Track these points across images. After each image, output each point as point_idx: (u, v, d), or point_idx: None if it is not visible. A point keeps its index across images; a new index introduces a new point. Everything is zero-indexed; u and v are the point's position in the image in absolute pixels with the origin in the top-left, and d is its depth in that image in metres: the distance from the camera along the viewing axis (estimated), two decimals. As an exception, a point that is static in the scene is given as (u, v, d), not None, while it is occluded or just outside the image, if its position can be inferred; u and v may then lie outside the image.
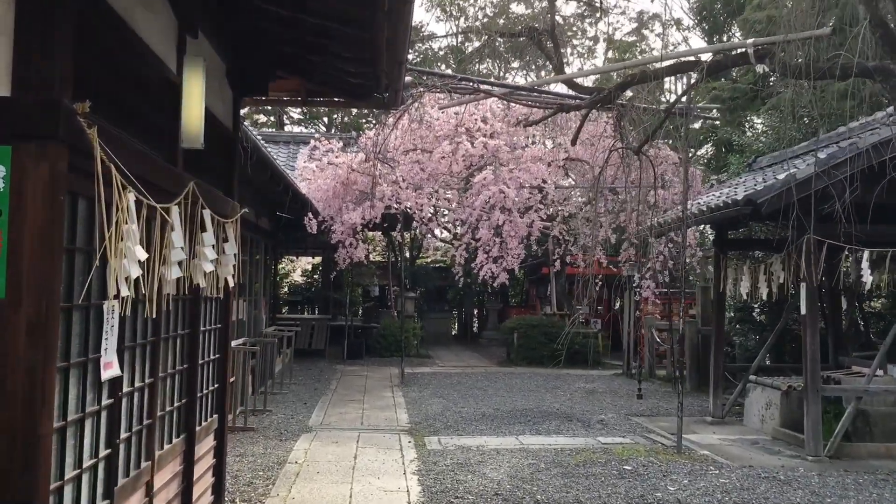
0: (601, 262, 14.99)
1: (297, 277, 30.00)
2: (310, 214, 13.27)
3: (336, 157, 14.29)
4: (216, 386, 5.17)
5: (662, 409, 11.80)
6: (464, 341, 26.05)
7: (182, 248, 3.52)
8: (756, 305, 12.28)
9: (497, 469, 7.58)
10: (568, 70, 13.01)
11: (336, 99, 6.19)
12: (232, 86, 5.29)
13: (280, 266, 28.68)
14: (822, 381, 8.35)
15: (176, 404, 4.20)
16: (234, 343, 10.50)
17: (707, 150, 18.34)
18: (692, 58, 6.34)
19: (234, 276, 5.03)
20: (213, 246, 4.21)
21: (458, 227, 14.87)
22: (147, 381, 3.63)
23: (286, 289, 28.24)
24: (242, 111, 6.40)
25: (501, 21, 18.28)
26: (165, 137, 3.95)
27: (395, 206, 16.01)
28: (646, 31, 26.52)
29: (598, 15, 29.85)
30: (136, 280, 2.93)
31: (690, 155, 13.79)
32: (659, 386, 14.54)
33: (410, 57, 28.78)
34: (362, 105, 6.16)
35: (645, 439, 9.40)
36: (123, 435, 3.29)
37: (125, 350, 3.26)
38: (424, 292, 26.75)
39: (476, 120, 15.23)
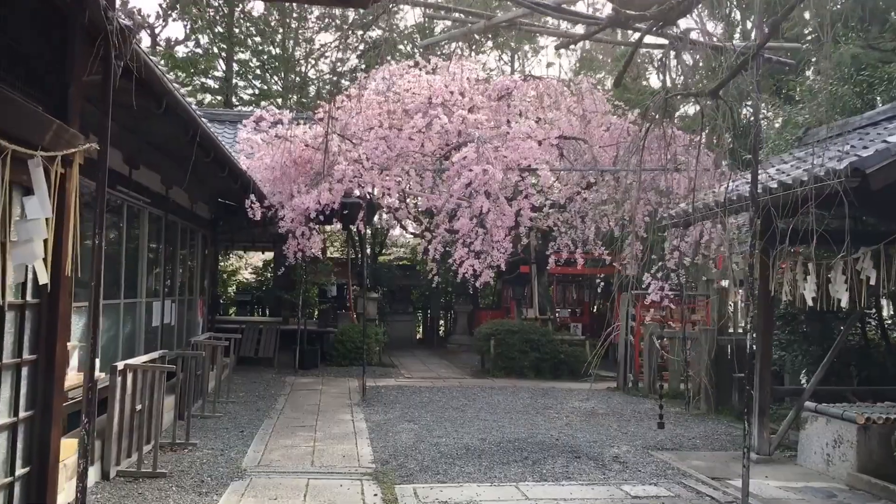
0: (602, 260, 12.81)
1: (247, 275, 27.41)
2: (252, 197, 10.80)
3: (286, 129, 11.83)
4: (25, 471, 2.77)
5: (686, 440, 9.60)
6: (430, 347, 23.72)
7: None
8: (801, 314, 10.16)
9: (504, 550, 5.29)
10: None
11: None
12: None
13: (227, 263, 26.10)
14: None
15: None
16: (142, 359, 8.06)
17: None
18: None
19: (61, 260, 2.62)
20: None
21: (434, 216, 12.56)
22: None
23: (234, 288, 25.66)
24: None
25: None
26: None
27: (358, 189, 13.66)
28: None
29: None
30: None
31: (698, 139, 11.65)
32: (666, 405, 12.31)
33: (373, 34, 26.34)
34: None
35: (684, 489, 7.18)
36: None
37: None
38: (387, 292, 24.39)
39: (452, 93, 12.93)
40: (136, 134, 8.74)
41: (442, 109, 12.38)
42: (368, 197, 14.62)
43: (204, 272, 15.05)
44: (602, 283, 14.82)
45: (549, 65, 25.76)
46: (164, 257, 11.30)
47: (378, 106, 12.69)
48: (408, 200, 12.75)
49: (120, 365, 7.10)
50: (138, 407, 7.45)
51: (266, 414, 10.62)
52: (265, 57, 23.83)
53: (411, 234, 15.11)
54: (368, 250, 21.04)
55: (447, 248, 12.28)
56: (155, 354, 8.29)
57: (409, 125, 12.18)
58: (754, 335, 10.16)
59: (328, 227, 25.44)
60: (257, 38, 24.43)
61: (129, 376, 7.33)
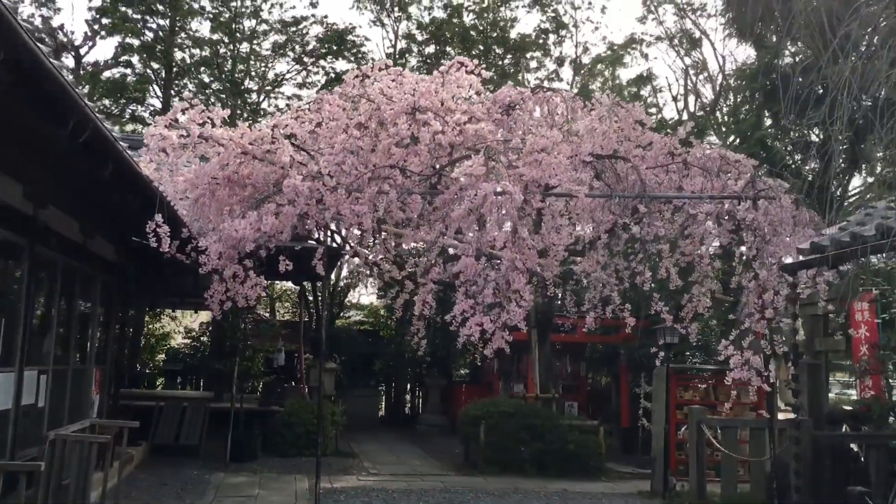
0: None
1: (182, 340, 23.52)
2: (158, 218, 7.25)
3: (216, 128, 8.36)
4: None
5: None
6: (396, 428, 19.93)
7: None
8: None
9: None
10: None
11: None
12: None
13: (157, 324, 22.30)
14: None
15: None
16: None
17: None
18: None
19: None
20: None
21: (418, 258, 9.25)
22: None
23: (164, 355, 21.78)
24: None
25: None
26: None
27: (316, 229, 10.23)
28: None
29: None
30: None
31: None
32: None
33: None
34: None
35: None
36: None
37: None
38: (346, 362, 20.69)
39: (443, 102, 9.69)
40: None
41: (434, 115, 9.14)
42: (330, 238, 11.25)
43: (107, 332, 11.37)
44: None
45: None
46: (27, 307, 7.66)
47: (347, 117, 9.37)
48: (384, 235, 9.36)
49: None
50: None
51: (166, 547, 6.94)
52: (209, 80, 20.48)
53: (386, 283, 11.54)
54: (325, 313, 17.42)
55: (445, 302, 8.94)
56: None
57: (386, 135, 8.91)
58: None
59: (277, 285, 21.78)
60: (202, 67, 21.17)
61: None
